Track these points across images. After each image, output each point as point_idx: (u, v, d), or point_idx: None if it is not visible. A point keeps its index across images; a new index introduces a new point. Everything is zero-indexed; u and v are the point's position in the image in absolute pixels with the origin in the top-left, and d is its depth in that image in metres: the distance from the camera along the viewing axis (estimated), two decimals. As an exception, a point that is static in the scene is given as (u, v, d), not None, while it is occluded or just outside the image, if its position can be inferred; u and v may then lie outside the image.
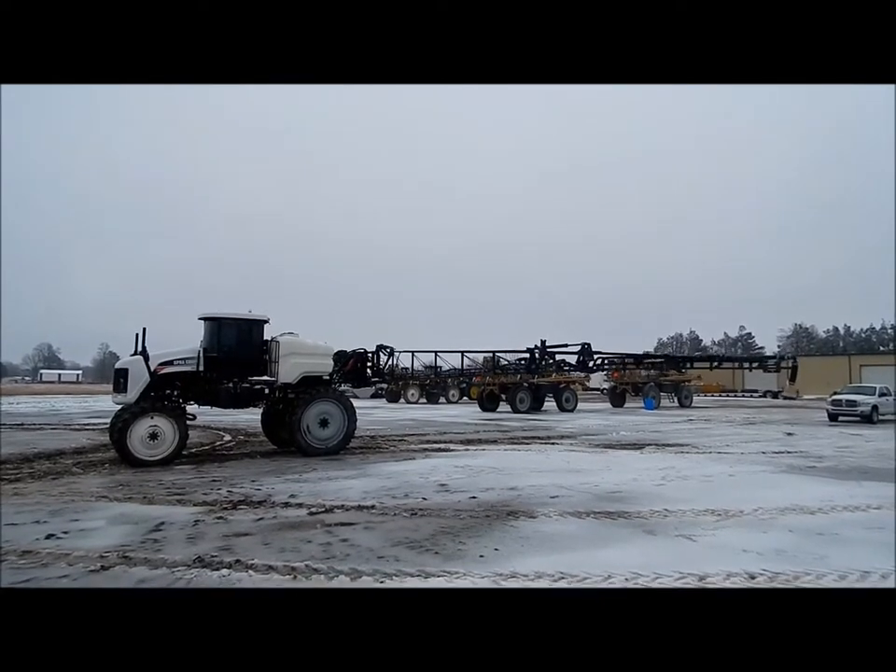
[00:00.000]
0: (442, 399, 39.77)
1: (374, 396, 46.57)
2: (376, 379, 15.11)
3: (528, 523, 6.41)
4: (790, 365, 39.09)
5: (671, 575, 4.62)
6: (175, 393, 11.84)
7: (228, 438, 15.41)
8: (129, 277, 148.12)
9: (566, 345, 28.15)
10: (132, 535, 5.88)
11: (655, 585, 3.62)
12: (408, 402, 38.56)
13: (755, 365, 40.62)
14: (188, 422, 11.53)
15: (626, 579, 4.54)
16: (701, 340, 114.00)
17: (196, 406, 12.29)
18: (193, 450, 12.90)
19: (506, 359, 17.47)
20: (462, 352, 15.07)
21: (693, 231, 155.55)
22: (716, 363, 39.18)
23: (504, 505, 7.27)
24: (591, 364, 31.64)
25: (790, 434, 17.41)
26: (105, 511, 6.97)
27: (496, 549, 5.41)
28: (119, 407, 11.14)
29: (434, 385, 40.05)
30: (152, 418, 10.79)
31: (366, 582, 3.47)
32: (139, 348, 11.24)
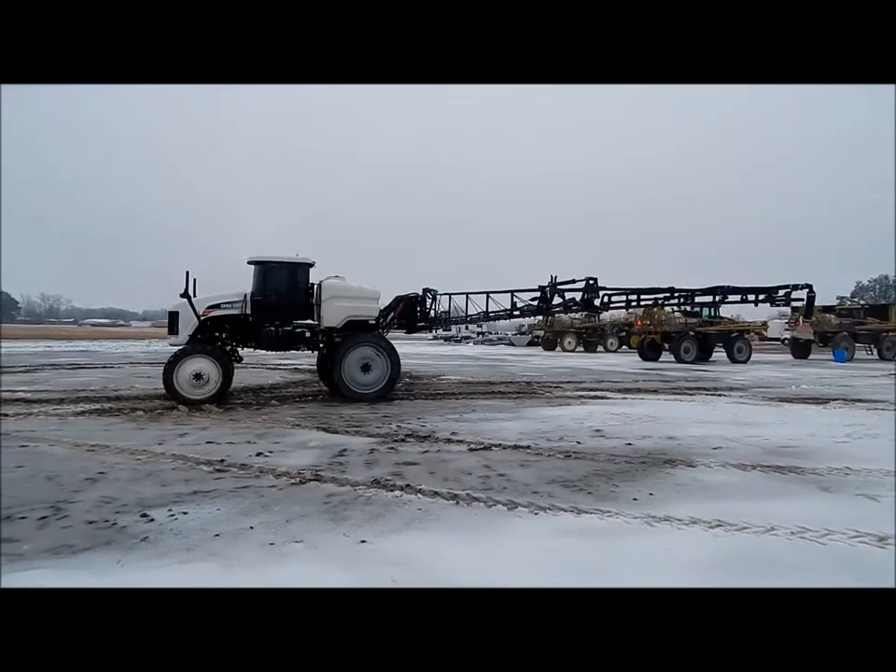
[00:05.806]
0: (600, 348, 38.96)
1: (530, 343, 46.95)
2: (422, 323, 14.46)
3: (686, 471, 6.30)
4: (803, 297, 30.50)
5: (844, 532, 4.36)
6: (224, 336, 12.30)
7: (395, 380, 16.73)
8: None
9: (573, 281, 24.10)
10: (321, 457, 6.84)
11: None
12: (564, 350, 38.39)
13: (761, 297, 31.53)
14: (234, 364, 11.99)
15: (792, 532, 4.38)
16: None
17: (244, 348, 12.71)
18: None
19: (521, 299, 15.65)
20: (487, 293, 13.74)
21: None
22: (720, 295, 31.04)
23: (661, 453, 7.17)
24: (597, 302, 27.13)
25: None
26: (299, 437, 8.14)
27: (650, 493, 5.44)
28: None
29: (592, 332, 39.30)
30: (197, 359, 11.27)
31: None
32: (187, 291, 11.57)
